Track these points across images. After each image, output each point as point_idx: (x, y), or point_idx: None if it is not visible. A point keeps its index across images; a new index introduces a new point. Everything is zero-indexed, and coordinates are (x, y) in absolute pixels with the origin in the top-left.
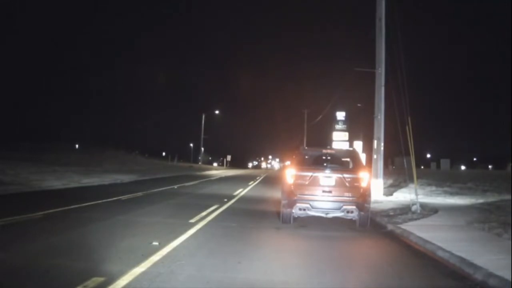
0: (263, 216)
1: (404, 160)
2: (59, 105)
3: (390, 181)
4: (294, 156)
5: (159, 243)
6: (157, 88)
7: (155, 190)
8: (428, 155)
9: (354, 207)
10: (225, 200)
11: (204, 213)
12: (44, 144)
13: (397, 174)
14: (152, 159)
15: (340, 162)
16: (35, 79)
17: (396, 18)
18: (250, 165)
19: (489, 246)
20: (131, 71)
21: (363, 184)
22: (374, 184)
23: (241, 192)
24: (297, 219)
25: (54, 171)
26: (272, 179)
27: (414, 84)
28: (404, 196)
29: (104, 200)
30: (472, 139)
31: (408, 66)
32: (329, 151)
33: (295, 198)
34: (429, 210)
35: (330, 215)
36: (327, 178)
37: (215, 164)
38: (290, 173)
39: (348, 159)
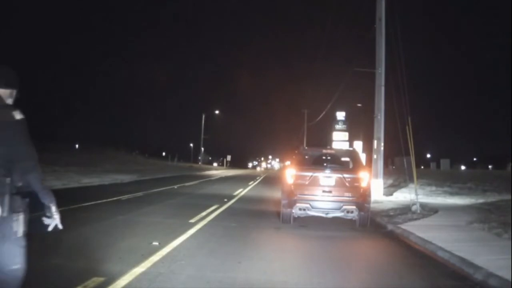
0: (263, 216)
1: (404, 160)
2: (59, 104)
3: (390, 181)
4: (294, 156)
5: (159, 243)
6: (157, 88)
7: (155, 190)
8: (428, 155)
9: (354, 207)
10: (225, 200)
11: (204, 213)
12: (44, 144)
13: (397, 174)
14: (152, 159)
15: (340, 162)
16: (35, 79)
17: (396, 18)
18: (250, 165)
19: (489, 246)
20: (131, 71)
21: (363, 184)
22: (374, 184)
23: (241, 192)
24: (297, 219)
25: (54, 171)
26: (272, 179)
27: (414, 84)
28: (404, 196)
29: (104, 200)
30: (472, 139)
31: (409, 66)
32: (329, 151)
33: (295, 198)
34: (429, 210)
35: (330, 215)
36: (327, 178)
37: (215, 164)
38: (290, 173)
39: (348, 159)
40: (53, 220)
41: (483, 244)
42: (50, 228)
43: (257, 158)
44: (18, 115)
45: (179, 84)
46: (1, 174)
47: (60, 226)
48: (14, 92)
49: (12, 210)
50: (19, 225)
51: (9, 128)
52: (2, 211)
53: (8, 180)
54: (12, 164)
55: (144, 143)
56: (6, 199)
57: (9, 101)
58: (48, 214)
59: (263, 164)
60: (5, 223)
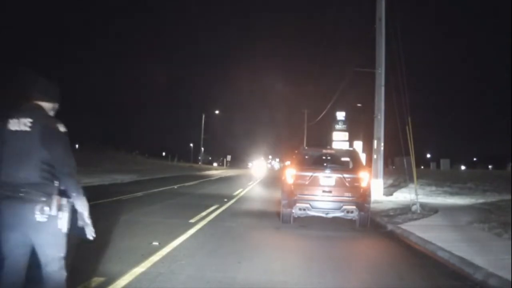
0: (263, 216)
1: (404, 160)
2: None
3: (390, 181)
4: (294, 156)
5: (159, 243)
6: (157, 88)
7: (155, 190)
8: (428, 155)
9: (354, 207)
10: (225, 200)
11: (204, 213)
12: None
13: (397, 174)
14: (152, 159)
15: (340, 162)
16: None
17: (396, 18)
18: (250, 165)
19: (489, 246)
20: (131, 71)
21: (363, 184)
22: (374, 184)
23: (241, 192)
24: (297, 219)
25: None
26: (271, 179)
27: (415, 84)
28: (404, 196)
29: (104, 200)
30: (472, 139)
31: (409, 66)
32: (329, 151)
33: (295, 198)
34: (429, 210)
35: (330, 215)
36: (327, 178)
37: (215, 164)
38: (290, 173)
39: (348, 159)
40: (87, 227)
41: (483, 244)
42: (89, 236)
43: (258, 158)
44: (62, 128)
45: (179, 84)
46: (49, 178)
47: (93, 234)
48: (56, 105)
49: (58, 209)
50: (63, 223)
51: (53, 138)
52: (51, 210)
53: (56, 183)
54: (55, 169)
55: (144, 143)
56: (54, 199)
57: (51, 113)
58: (80, 221)
59: (259, 163)
60: (53, 220)
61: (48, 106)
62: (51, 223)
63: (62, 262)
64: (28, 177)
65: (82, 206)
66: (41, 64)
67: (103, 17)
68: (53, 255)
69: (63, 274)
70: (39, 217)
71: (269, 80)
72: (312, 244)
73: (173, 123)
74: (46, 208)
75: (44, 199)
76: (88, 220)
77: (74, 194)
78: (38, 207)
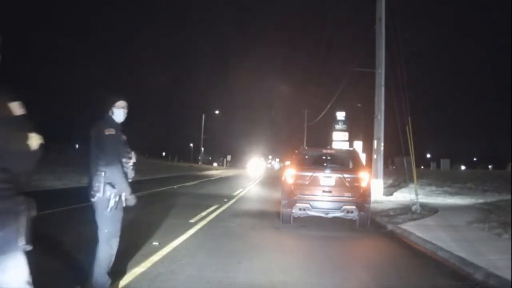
0: (263, 216)
1: (404, 160)
2: (58, 104)
3: (390, 181)
4: (294, 156)
5: (159, 243)
6: (157, 87)
7: (155, 190)
8: (428, 155)
9: (354, 207)
10: (225, 200)
11: (204, 213)
12: (44, 144)
13: (397, 174)
14: (152, 159)
15: (340, 162)
16: (34, 78)
17: (396, 18)
18: (249, 165)
19: (489, 246)
20: (131, 71)
21: (363, 184)
22: (374, 184)
23: (241, 192)
24: (297, 219)
25: (54, 171)
26: (271, 179)
27: (415, 83)
28: (404, 196)
29: None
30: (472, 139)
31: (409, 66)
32: (329, 151)
33: (295, 198)
34: (429, 210)
35: (330, 215)
36: (327, 178)
37: (215, 164)
38: (290, 173)
39: (348, 159)
40: (128, 200)
41: (483, 244)
42: (130, 203)
43: (258, 158)
44: (107, 132)
45: (179, 84)
46: (101, 170)
47: (133, 202)
48: (113, 107)
49: (108, 193)
50: (110, 204)
51: (100, 140)
52: (99, 193)
53: (104, 173)
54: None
55: (144, 143)
56: (102, 185)
57: (120, 112)
58: (124, 197)
59: (259, 163)
60: (101, 201)
61: (110, 112)
62: (100, 203)
63: (108, 236)
64: (93, 170)
65: (121, 189)
66: (40, 63)
67: (103, 17)
68: (101, 228)
69: (110, 245)
70: (92, 198)
71: (269, 80)
72: (312, 244)
73: (173, 123)
74: (97, 192)
75: (97, 184)
76: (129, 196)
77: (114, 180)
78: (93, 190)
